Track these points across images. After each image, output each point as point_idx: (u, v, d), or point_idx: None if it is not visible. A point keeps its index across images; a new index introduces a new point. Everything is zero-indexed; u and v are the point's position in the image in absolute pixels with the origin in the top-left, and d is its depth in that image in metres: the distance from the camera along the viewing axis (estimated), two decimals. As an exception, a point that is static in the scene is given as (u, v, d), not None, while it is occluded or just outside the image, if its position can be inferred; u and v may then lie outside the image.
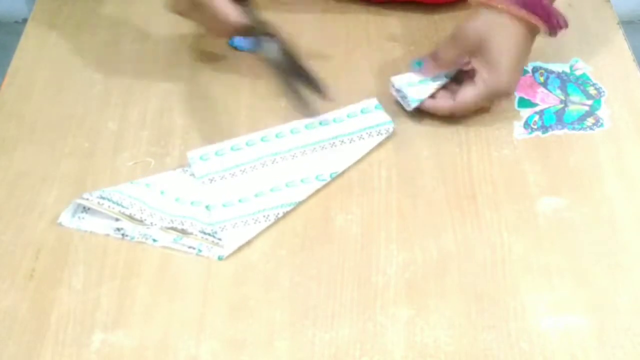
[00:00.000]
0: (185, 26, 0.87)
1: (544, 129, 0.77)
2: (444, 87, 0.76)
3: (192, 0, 0.72)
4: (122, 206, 0.68)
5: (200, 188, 0.71)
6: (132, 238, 0.67)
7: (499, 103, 0.77)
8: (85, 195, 0.68)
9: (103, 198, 0.68)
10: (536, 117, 0.78)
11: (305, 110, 0.72)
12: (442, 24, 0.87)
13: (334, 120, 0.75)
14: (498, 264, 0.66)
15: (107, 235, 0.68)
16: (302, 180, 0.71)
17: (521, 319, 0.63)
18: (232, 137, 0.74)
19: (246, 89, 0.80)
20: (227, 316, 0.63)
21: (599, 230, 0.69)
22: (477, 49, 0.73)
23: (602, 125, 0.77)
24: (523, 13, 0.71)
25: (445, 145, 0.75)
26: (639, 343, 0.61)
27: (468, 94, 0.74)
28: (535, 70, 0.82)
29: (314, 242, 0.68)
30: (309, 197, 0.71)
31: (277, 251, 0.67)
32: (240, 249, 0.67)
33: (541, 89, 0.80)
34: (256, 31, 0.74)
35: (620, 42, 0.85)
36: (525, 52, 0.74)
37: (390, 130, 0.75)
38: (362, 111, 0.76)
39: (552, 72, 0.82)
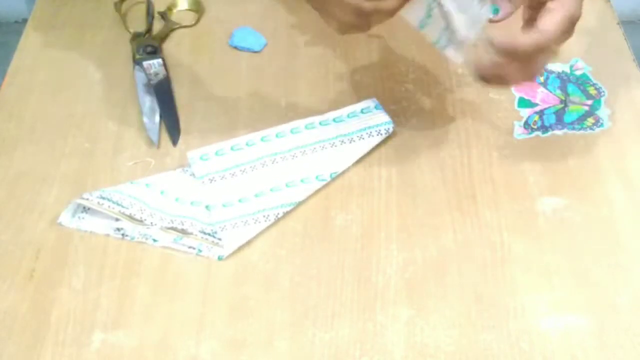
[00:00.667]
0: (185, 26, 0.87)
1: (544, 129, 0.77)
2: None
3: None
4: (122, 206, 0.68)
5: (200, 188, 0.71)
6: (132, 238, 0.67)
7: (572, 33, 0.66)
8: (85, 195, 0.68)
9: (103, 198, 0.68)
10: (536, 117, 0.78)
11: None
12: (442, 24, 0.87)
13: (334, 120, 0.75)
14: (498, 264, 0.66)
15: (107, 235, 0.68)
16: (302, 180, 0.71)
17: (521, 319, 0.63)
18: (232, 137, 0.74)
19: (246, 89, 0.80)
20: (227, 316, 0.63)
21: (599, 230, 0.69)
22: None
23: (602, 125, 0.77)
24: None
25: (445, 146, 0.75)
26: (639, 343, 0.61)
27: (551, 20, 0.63)
28: (535, 70, 0.82)
29: (314, 242, 0.68)
30: (309, 197, 0.71)
31: (277, 251, 0.67)
32: (240, 249, 0.67)
33: (541, 89, 0.80)
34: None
35: (620, 42, 0.85)
36: None
37: (390, 130, 0.75)
38: (362, 111, 0.76)
39: (552, 72, 0.82)
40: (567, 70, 0.82)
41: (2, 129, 0.76)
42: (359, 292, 0.64)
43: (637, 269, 0.66)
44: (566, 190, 0.72)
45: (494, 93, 0.80)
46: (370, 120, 0.75)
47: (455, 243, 0.68)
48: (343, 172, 0.73)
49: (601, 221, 0.69)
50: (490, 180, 0.72)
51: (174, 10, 0.89)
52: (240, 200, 0.70)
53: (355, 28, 0.66)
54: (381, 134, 0.75)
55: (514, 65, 0.65)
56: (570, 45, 0.83)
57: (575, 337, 0.62)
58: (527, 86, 0.80)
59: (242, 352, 0.61)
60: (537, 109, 0.79)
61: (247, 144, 0.74)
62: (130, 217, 0.68)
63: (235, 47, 0.85)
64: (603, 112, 0.78)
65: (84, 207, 0.69)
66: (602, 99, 0.79)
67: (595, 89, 0.80)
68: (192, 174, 0.72)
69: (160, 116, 0.77)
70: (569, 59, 0.83)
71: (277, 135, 0.74)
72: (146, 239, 0.67)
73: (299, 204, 0.70)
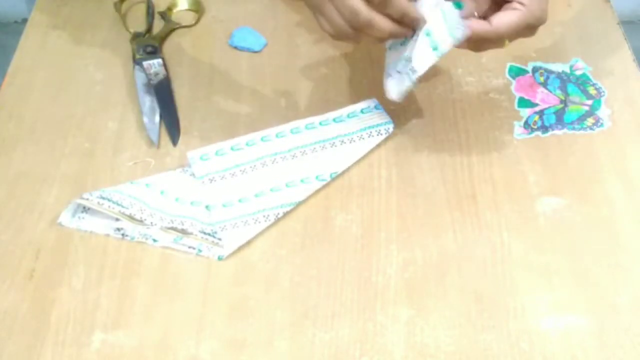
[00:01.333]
0: (185, 26, 0.87)
1: (544, 129, 0.77)
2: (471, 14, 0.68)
3: None
4: (122, 206, 0.68)
5: (200, 188, 0.71)
6: (132, 238, 0.68)
7: (530, 35, 0.69)
8: (85, 195, 0.68)
9: (103, 198, 0.68)
10: (536, 117, 0.78)
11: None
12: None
13: (334, 120, 0.75)
14: (498, 264, 0.66)
15: (107, 235, 0.68)
16: (302, 180, 0.71)
17: (521, 319, 0.63)
18: (232, 137, 0.74)
19: (246, 89, 0.80)
20: (227, 316, 0.63)
21: (599, 230, 0.69)
22: None
23: (602, 125, 0.77)
24: None
25: (445, 146, 0.75)
26: (639, 343, 0.61)
27: (507, 17, 0.66)
28: (535, 70, 0.82)
29: (314, 242, 0.68)
30: (309, 197, 0.71)
31: (277, 251, 0.67)
32: (240, 249, 0.67)
33: (541, 89, 0.80)
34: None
35: (620, 42, 0.85)
36: None
37: (390, 130, 0.75)
38: (362, 111, 0.76)
39: (552, 72, 0.82)
40: (567, 70, 0.82)
41: (2, 129, 0.76)
42: (359, 292, 0.64)
43: (637, 269, 0.66)
44: (566, 190, 0.72)
45: (494, 93, 0.80)
46: (370, 121, 0.75)
47: (455, 243, 0.68)
48: (343, 172, 0.73)
49: (601, 221, 0.69)
50: (490, 180, 0.72)
51: (174, 10, 0.89)
52: (240, 200, 0.70)
53: (347, 36, 0.66)
54: (381, 134, 0.75)
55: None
56: (570, 45, 0.84)
57: (575, 337, 0.62)
58: (528, 86, 0.80)
59: (242, 352, 0.61)
60: (537, 109, 0.79)
61: (247, 144, 0.74)
62: (130, 217, 0.68)
63: (235, 47, 0.85)
64: (603, 112, 0.78)
65: (84, 207, 0.69)
66: (602, 99, 0.79)
67: (595, 89, 0.80)
68: (192, 174, 0.72)
69: (160, 116, 0.77)
70: (569, 59, 0.83)
71: (277, 135, 0.74)
72: (146, 239, 0.67)
73: (299, 204, 0.70)
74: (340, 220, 0.69)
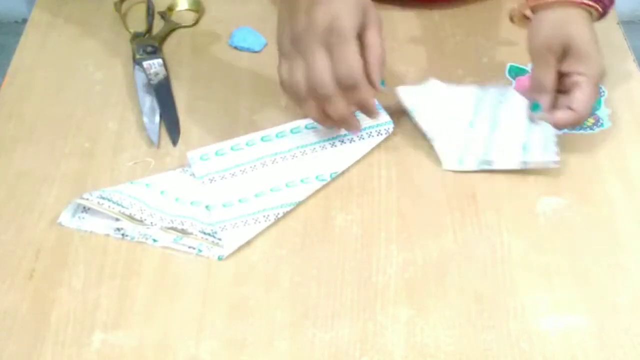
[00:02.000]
0: (185, 26, 0.87)
1: (544, 129, 0.77)
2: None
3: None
4: (122, 206, 0.68)
5: (200, 188, 0.71)
6: (132, 238, 0.67)
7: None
8: (85, 195, 0.68)
9: (103, 198, 0.68)
10: (536, 117, 0.78)
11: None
12: (442, 22, 0.88)
13: (334, 120, 0.75)
14: (498, 264, 0.66)
15: (107, 235, 0.68)
16: (302, 180, 0.71)
17: (521, 319, 0.63)
18: (232, 137, 0.74)
19: (246, 89, 0.81)
20: (227, 316, 0.63)
21: (599, 230, 0.69)
22: (564, 52, 0.71)
23: (602, 125, 0.77)
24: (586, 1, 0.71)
25: (445, 145, 0.75)
26: (639, 343, 0.61)
27: (582, 96, 0.70)
28: (535, 70, 0.82)
29: (314, 242, 0.68)
30: (309, 197, 0.71)
31: (277, 251, 0.67)
32: (240, 249, 0.67)
33: (541, 89, 0.80)
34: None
35: (620, 42, 0.85)
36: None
37: (390, 130, 0.75)
38: None
39: (552, 72, 0.82)
40: (567, 70, 0.82)
41: (2, 129, 0.76)
42: (359, 292, 0.64)
43: (637, 269, 0.66)
44: (566, 190, 0.72)
45: (494, 93, 0.80)
46: (370, 120, 0.75)
47: (455, 243, 0.68)
48: (343, 172, 0.73)
49: (601, 221, 0.69)
50: (490, 180, 0.72)
51: (174, 10, 0.89)
52: (240, 200, 0.70)
53: (297, 96, 0.67)
54: (381, 134, 0.75)
55: None
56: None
57: (575, 337, 0.62)
58: (528, 86, 0.80)
59: (242, 352, 0.61)
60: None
61: (247, 144, 0.74)
62: (130, 217, 0.68)
63: (235, 47, 0.85)
64: (603, 112, 0.78)
65: (84, 207, 0.69)
66: (602, 99, 0.79)
67: (595, 89, 0.80)
68: (192, 174, 0.72)
69: (160, 116, 0.77)
70: (569, 59, 0.83)
71: (277, 135, 0.74)
72: (146, 239, 0.67)
73: (299, 203, 0.70)
74: (340, 220, 0.69)
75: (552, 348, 0.61)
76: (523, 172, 0.73)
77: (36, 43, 0.85)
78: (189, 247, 0.67)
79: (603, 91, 0.80)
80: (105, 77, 0.82)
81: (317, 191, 0.71)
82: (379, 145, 0.75)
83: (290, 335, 0.62)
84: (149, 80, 0.80)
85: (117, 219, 0.68)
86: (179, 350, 0.61)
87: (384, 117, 0.75)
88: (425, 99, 0.76)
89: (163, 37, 0.85)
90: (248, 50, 0.84)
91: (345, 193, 0.71)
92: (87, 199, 0.68)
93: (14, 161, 0.74)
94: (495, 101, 0.76)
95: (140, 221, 0.68)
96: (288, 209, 0.69)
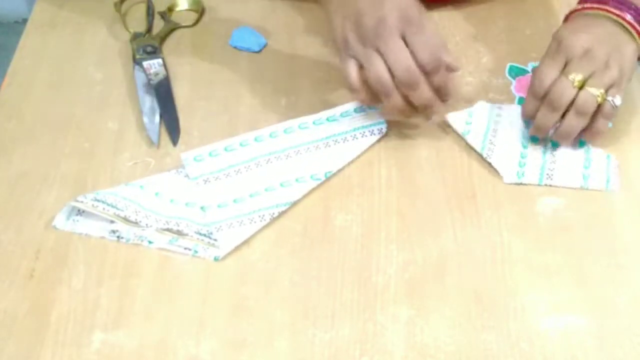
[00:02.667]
0: (185, 26, 0.87)
1: (544, 129, 0.76)
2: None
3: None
4: (117, 208, 0.68)
5: (194, 189, 0.71)
6: (128, 240, 0.67)
7: None
8: (80, 198, 0.68)
9: (97, 200, 0.68)
10: (536, 117, 0.77)
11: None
12: (441, 22, 0.88)
13: (328, 120, 0.75)
14: (498, 264, 0.66)
15: (103, 237, 0.68)
16: (296, 180, 0.71)
17: (521, 319, 0.63)
18: (232, 137, 0.74)
19: (246, 89, 0.81)
20: (227, 316, 0.63)
21: (599, 230, 0.69)
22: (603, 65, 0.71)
23: (602, 125, 0.77)
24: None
25: (445, 145, 0.75)
26: (639, 343, 0.61)
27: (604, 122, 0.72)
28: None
29: (314, 242, 0.68)
30: (309, 197, 0.71)
31: (277, 251, 0.67)
32: (240, 249, 0.67)
33: (541, 89, 0.80)
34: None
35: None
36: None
37: (384, 130, 0.75)
38: (355, 110, 0.75)
39: (552, 72, 0.82)
40: (567, 70, 0.82)
41: (2, 129, 0.76)
42: (359, 292, 0.64)
43: (637, 269, 0.66)
44: (566, 190, 0.72)
45: (494, 93, 0.80)
46: (363, 120, 0.75)
47: (455, 243, 0.68)
48: (343, 172, 0.73)
49: (601, 221, 0.69)
50: (490, 180, 0.72)
51: (174, 10, 0.89)
52: (235, 201, 0.70)
53: (386, 89, 0.68)
54: (374, 134, 0.75)
55: None
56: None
57: (575, 337, 0.62)
58: (528, 87, 0.80)
59: (242, 352, 0.61)
60: (537, 109, 0.78)
61: (240, 145, 0.74)
62: (125, 219, 0.68)
63: (235, 47, 0.85)
64: (603, 112, 0.78)
65: (79, 210, 0.69)
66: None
67: (595, 89, 0.80)
68: (187, 175, 0.72)
69: (160, 116, 0.77)
70: (569, 59, 0.83)
71: (270, 135, 0.74)
72: (141, 240, 0.67)
73: (299, 203, 0.70)
74: (340, 220, 0.69)
75: (552, 348, 0.61)
76: (523, 172, 0.73)
77: (36, 43, 0.85)
78: (185, 249, 0.67)
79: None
80: (105, 77, 0.82)
81: (317, 191, 0.71)
82: (379, 145, 0.75)
83: (290, 335, 0.62)
84: (149, 80, 0.80)
85: (112, 221, 0.68)
86: (179, 350, 0.61)
87: (377, 117, 0.75)
88: (475, 121, 0.75)
89: (163, 37, 0.85)
90: (248, 50, 0.84)
91: (345, 193, 0.71)
92: (82, 202, 0.68)
93: (14, 161, 0.74)
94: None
95: (136, 223, 0.68)
96: (283, 208, 0.69)
